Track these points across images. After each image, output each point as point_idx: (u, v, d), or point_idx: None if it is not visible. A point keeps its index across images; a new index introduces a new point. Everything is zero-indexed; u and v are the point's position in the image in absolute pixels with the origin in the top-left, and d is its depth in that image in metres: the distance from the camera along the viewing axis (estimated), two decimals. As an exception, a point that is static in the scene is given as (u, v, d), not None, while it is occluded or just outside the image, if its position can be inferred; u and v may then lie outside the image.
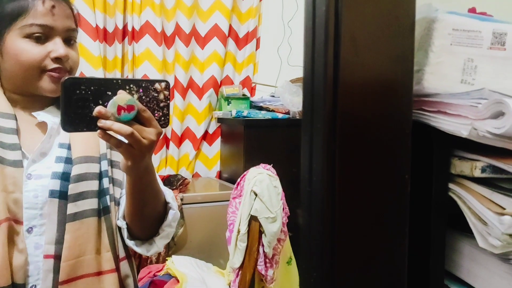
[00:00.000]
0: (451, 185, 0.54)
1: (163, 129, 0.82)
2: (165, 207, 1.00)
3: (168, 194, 1.02)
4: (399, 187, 0.46)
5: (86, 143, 0.98)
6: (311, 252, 0.46)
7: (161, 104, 0.80)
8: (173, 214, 0.99)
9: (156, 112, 0.79)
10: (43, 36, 0.93)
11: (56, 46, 0.93)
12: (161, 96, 0.79)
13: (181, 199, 2.17)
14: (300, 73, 2.84)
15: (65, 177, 0.94)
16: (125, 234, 0.98)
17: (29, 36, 0.92)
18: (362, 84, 0.44)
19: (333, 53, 0.43)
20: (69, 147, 0.98)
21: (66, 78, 0.72)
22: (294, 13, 2.91)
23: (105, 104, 0.73)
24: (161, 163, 2.66)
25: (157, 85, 0.79)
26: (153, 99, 0.79)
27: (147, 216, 0.96)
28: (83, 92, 0.72)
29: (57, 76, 0.94)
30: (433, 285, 0.53)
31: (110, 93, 0.74)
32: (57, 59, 0.93)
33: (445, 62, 0.55)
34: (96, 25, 2.40)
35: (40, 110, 0.99)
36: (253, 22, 2.84)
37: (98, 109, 0.72)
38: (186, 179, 2.44)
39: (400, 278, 0.47)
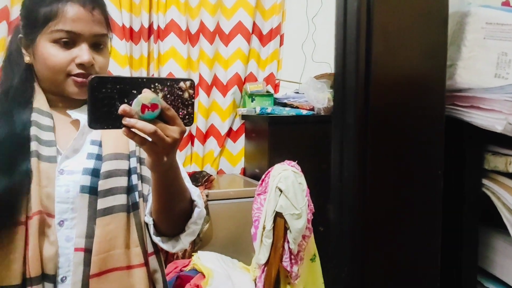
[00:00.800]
0: (484, 181, 0.53)
1: (188, 127, 0.83)
2: (191, 204, 1.01)
3: (194, 192, 1.02)
4: (432, 182, 0.46)
5: (116, 140, 1.00)
6: (342, 247, 0.46)
7: (186, 103, 0.80)
8: (198, 211, 1.00)
9: (180, 110, 0.80)
10: (70, 41, 0.95)
11: (81, 52, 0.96)
12: (186, 95, 0.80)
13: (207, 195, 2.20)
14: (324, 69, 2.82)
15: (95, 173, 0.96)
16: (151, 230, 1.00)
17: (56, 41, 0.95)
18: (394, 80, 0.44)
19: (365, 49, 0.43)
20: (100, 144, 1.00)
21: (92, 77, 0.73)
22: (318, 9, 2.89)
23: (130, 103, 0.74)
24: (186, 160, 2.69)
25: (182, 84, 0.79)
26: (178, 97, 0.79)
27: (173, 213, 0.97)
28: (109, 90, 0.74)
29: (80, 81, 0.97)
30: (466, 281, 0.52)
31: (135, 91, 0.75)
32: (81, 65, 0.96)
33: (478, 56, 0.54)
34: (123, 24, 2.44)
35: (75, 108, 1.02)
36: (276, 18, 2.83)
37: (123, 107, 0.73)
38: (211, 175, 2.45)
39: (432, 274, 0.47)
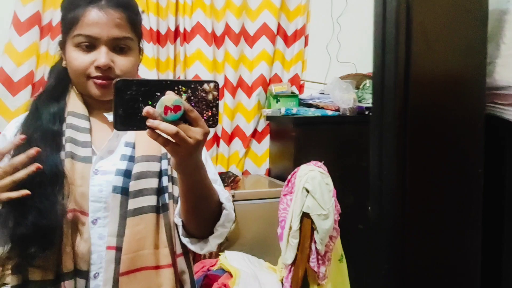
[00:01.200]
0: (525, 179, 0.52)
1: (212, 129, 0.83)
2: (220, 207, 1.01)
3: (223, 194, 1.03)
4: (472, 180, 0.46)
5: (149, 142, 1.02)
6: (382, 245, 0.47)
7: (210, 104, 0.81)
8: (226, 214, 1.00)
9: (204, 112, 0.80)
10: (90, 45, 0.98)
11: (99, 56, 0.98)
12: (210, 97, 0.80)
13: (233, 196, 2.21)
14: (349, 69, 2.80)
15: (127, 174, 0.98)
16: (180, 231, 1.01)
17: (78, 45, 0.98)
18: (434, 78, 0.44)
19: (404, 47, 0.43)
20: (134, 146, 1.02)
21: (117, 79, 0.75)
22: (343, 10, 2.88)
23: (154, 105, 0.76)
24: (212, 161, 2.71)
25: (205, 86, 0.80)
26: (202, 99, 0.80)
27: (201, 214, 0.98)
28: (134, 93, 0.75)
29: (99, 83, 0.99)
30: (507, 280, 0.52)
31: (159, 93, 0.76)
32: (99, 68, 0.98)
33: (518, 54, 0.54)
34: (150, 27, 2.48)
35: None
36: (301, 19, 2.83)
37: (146, 109, 0.75)
38: (237, 176, 2.47)
39: (473, 273, 0.47)
